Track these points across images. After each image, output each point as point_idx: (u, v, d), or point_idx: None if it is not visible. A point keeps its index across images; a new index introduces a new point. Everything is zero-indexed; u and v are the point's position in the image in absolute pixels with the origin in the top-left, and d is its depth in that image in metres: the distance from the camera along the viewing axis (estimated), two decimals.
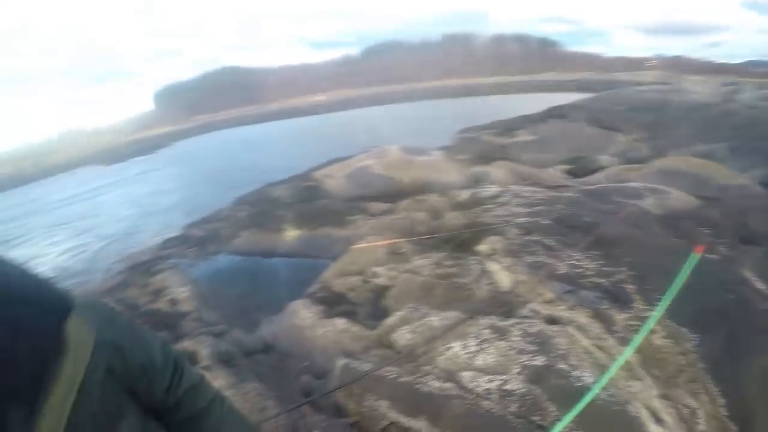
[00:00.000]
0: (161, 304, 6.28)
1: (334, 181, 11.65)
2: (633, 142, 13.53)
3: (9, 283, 0.75)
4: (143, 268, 8.27)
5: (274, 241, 8.92)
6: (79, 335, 0.77)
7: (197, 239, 9.78)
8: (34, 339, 0.72)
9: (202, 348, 4.51)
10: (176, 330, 5.29)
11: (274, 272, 8.05)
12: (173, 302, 6.29)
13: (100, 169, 34.26)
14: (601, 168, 11.10)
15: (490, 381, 3.33)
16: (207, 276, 8.02)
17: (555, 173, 10.89)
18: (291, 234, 8.91)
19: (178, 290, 6.63)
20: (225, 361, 4.37)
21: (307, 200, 10.71)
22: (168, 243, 10.07)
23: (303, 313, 5.21)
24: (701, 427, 3.11)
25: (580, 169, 11.34)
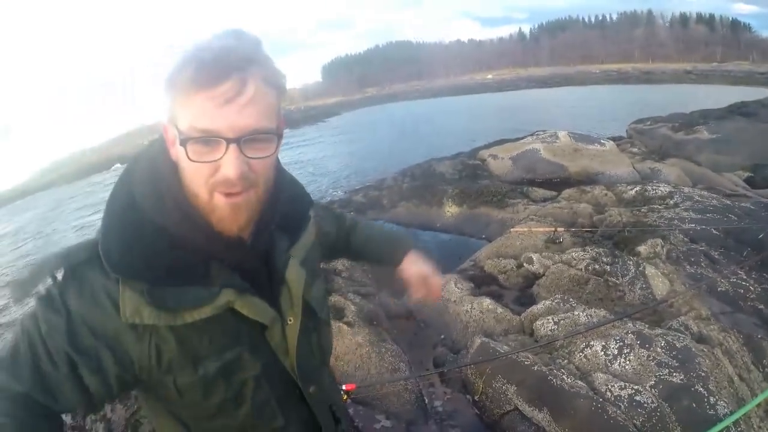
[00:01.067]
0: None
1: (499, 162, 11.43)
2: None
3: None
4: None
5: (432, 214, 9.03)
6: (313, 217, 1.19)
7: (359, 204, 10.19)
8: (303, 205, 1.16)
9: (350, 305, 4.72)
10: (328, 285, 5.57)
11: (428, 245, 8.15)
12: None
13: None
14: None
15: (622, 388, 3.16)
16: None
17: (732, 179, 9.64)
18: (449, 210, 8.93)
19: None
20: (367, 320, 4.54)
21: (470, 178, 10.62)
22: (331, 205, 10.59)
23: (451, 288, 5.20)
24: None
25: (761, 177, 9.92)
